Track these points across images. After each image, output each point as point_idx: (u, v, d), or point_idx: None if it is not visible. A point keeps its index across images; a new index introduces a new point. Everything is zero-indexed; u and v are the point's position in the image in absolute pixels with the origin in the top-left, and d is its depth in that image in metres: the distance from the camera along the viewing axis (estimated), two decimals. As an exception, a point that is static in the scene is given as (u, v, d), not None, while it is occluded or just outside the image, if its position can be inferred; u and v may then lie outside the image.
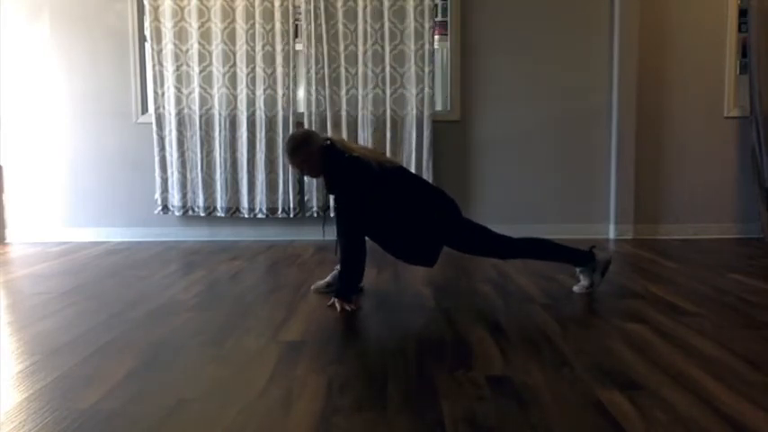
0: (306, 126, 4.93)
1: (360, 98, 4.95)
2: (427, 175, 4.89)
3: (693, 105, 5.03)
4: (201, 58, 4.95)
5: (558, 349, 2.26)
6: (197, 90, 4.96)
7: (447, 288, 3.33)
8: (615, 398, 1.80)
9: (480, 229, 3.03)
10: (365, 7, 4.88)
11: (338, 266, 3.08)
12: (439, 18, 5.06)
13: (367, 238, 2.95)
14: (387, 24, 4.88)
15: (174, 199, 5.05)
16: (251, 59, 4.94)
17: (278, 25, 4.91)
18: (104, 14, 5.06)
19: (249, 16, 4.91)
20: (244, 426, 1.67)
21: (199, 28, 4.92)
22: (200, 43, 4.93)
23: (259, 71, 4.95)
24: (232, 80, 4.97)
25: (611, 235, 5.05)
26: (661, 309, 2.81)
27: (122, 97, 5.11)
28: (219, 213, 5.06)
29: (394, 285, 3.40)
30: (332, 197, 3.27)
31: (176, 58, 4.95)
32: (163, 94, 4.99)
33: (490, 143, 5.07)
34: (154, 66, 4.98)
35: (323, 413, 1.72)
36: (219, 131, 4.99)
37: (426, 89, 4.89)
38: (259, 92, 4.96)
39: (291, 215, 5.02)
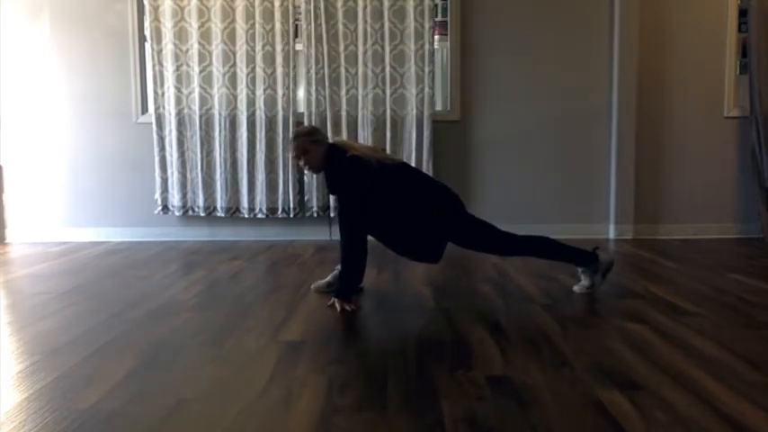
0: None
1: (360, 98, 4.95)
2: (427, 175, 4.88)
3: (693, 105, 5.03)
4: (201, 58, 4.95)
5: (558, 349, 2.26)
6: (197, 90, 4.96)
7: (447, 288, 3.33)
8: (615, 398, 1.80)
9: (483, 225, 3.03)
10: (365, 7, 4.88)
11: (339, 266, 3.08)
12: (439, 18, 5.06)
13: (370, 237, 2.95)
14: (387, 24, 4.88)
15: (174, 199, 5.05)
16: (251, 59, 4.94)
17: (278, 25, 4.92)
18: (104, 14, 5.07)
19: (249, 16, 4.91)
20: (244, 426, 1.67)
21: (199, 28, 4.92)
22: (200, 43, 4.93)
23: (259, 71, 4.95)
24: (232, 80, 4.97)
25: (611, 235, 5.05)
26: (661, 309, 2.81)
27: (122, 97, 5.11)
28: (219, 213, 5.06)
29: (394, 285, 3.40)
30: (332, 197, 3.27)
31: (176, 58, 4.95)
32: (163, 94, 4.99)
33: (490, 143, 5.07)
34: (154, 66, 4.98)
35: (323, 413, 1.72)
36: (219, 131, 4.99)
37: (426, 89, 4.89)
38: (259, 92, 4.96)
39: (291, 215, 5.02)
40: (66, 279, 3.64)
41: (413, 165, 4.88)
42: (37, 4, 5.06)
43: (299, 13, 4.95)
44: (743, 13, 4.98)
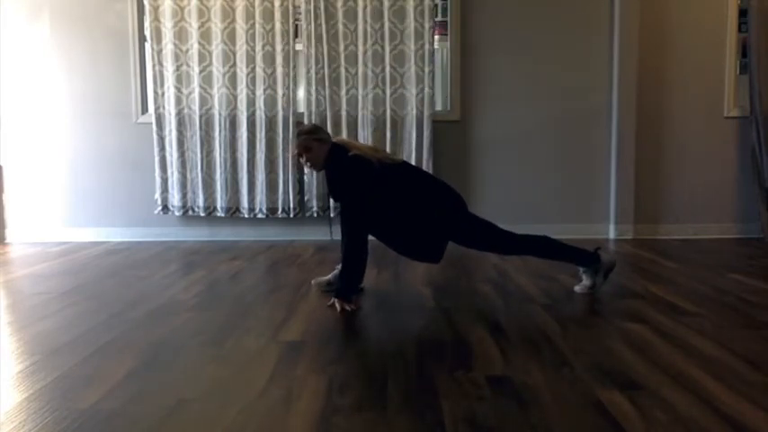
0: (306, 126, 4.93)
1: (360, 98, 4.95)
2: (427, 175, 4.88)
3: (693, 105, 5.03)
4: (201, 58, 4.95)
5: (558, 349, 2.26)
6: (197, 90, 4.96)
7: (447, 288, 3.33)
8: (615, 398, 1.80)
9: (484, 224, 3.03)
10: (365, 7, 4.88)
11: (339, 266, 3.08)
12: (439, 18, 5.06)
13: (371, 236, 2.95)
14: (387, 24, 4.88)
15: (174, 199, 5.06)
16: (251, 59, 4.94)
17: (278, 25, 4.92)
18: (104, 14, 5.07)
19: (249, 16, 4.91)
20: (244, 426, 1.67)
21: (199, 28, 4.92)
22: (200, 43, 4.93)
23: (259, 71, 4.95)
24: (232, 80, 4.97)
25: (611, 235, 5.05)
26: (661, 309, 2.81)
27: (122, 97, 5.11)
28: (219, 213, 5.06)
29: (394, 285, 3.40)
30: (332, 198, 3.26)
31: (176, 58, 4.95)
32: (163, 94, 4.99)
33: (490, 143, 5.07)
34: (154, 66, 4.98)
35: (323, 413, 1.72)
36: (219, 131, 4.99)
37: (426, 89, 4.89)
38: (259, 92, 4.96)
39: (291, 215, 5.02)
40: (66, 279, 3.64)
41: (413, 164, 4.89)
42: (37, 4, 5.06)
43: (299, 13, 4.95)
44: (743, 13, 4.98)
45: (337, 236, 2.99)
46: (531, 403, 1.77)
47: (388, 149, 4.90)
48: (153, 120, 5.02)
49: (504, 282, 3.44)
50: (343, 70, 4.94)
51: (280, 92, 4.96)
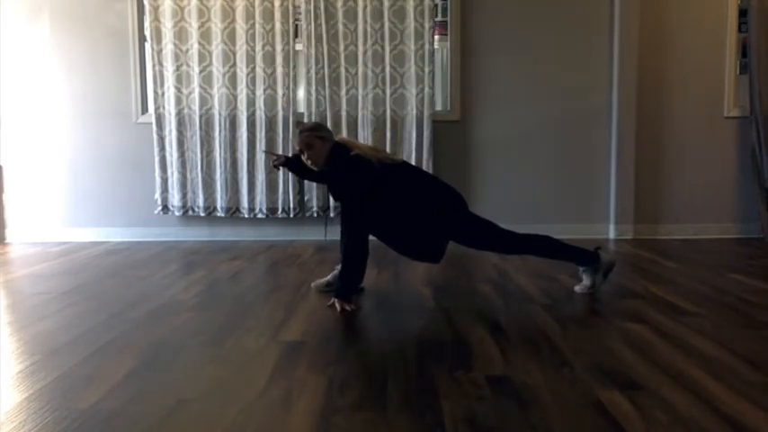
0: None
1: (360, 98, 4.95)
2: (427, 175, 4.88)
3: (693, 105, 5.03)
4: (201, 58, 4.95)
5: (558, 349, 2.26)
6: (197, 90, 4.97)
7: (447, 288, 3.33)
8: (615, 398, 1.80)
9: (485, 224, 3.03)
10: (365, 7, 4.88)
11: (339, 266, 3.08)
12: (439, 18, 5.06)
13: (372, 237, 2.95)
14: (387, 24, 4.88)
15: (174, 199, 5.06)
16: (251, 59, 4.94)
17: (278, 25, 4.92)
18: (104, 14, 5.07)
19: (249, 16, 4.91)
20: (244, 426, 1.67)
21: (199, 28, 4.92)
22: (200, 43, 4.93)
23: (259, 71, 4.95)
24: (232, 80, 4.97)
25: (611, 235, 5.05)
26: (661, 309, 2.81)
27: (122, 97, 5.11)
28: (219, 213, 5.06)
29: (394, 285, 3.40)
30: (332, 197, 3.26)
31: (176, 58, 4.95)
32: (163, 94, 4.99)
33: (490, 143, 5.07)
34: (154, 66, 4.98)
35: (323, 413, 1.72)
36: (219, 131, 4.99)
37: (426, 89, 4.89)
38: (259, 92, 4.96)
39: (291, 215, 5.02)
40: (66, 279, 3.64)
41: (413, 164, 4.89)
42: (37, 4, 5.06)
43: (299, 13, 4.95)
44: (743, 13, 4.98)
45: (332, 236, 3.00)
46: (531, 403, 1.77)
47: (388, 149, 4.89)
48: (153, 120, 5.02)
49: (504, 282, 3.44)
50: (343, 70, 4.94)
51: (280, 92, 4.96)
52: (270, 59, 4.95)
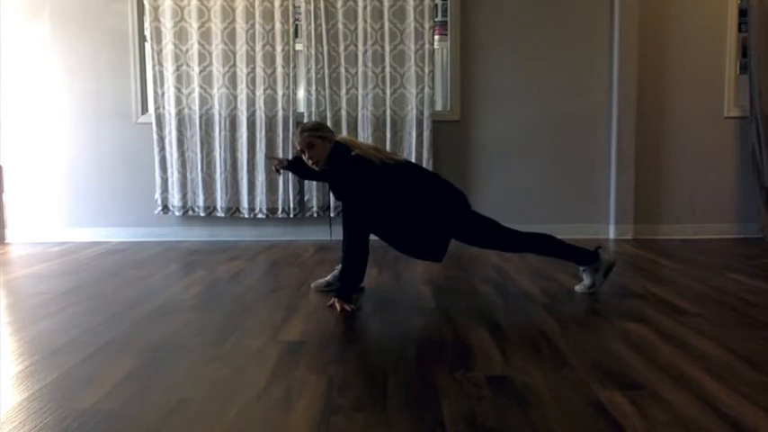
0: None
1: (360, 98, 4.95)
2: (427, 175, 4.89)
3: (693, 105, 5.03)
4: (201, 58, 4.95)
5: (558, 349, 2.26)
6: (197, 90, 4.96)
7: (447, 288, 3.33)
8: (615, 398, 1.80)
9: (487, 222, 3.03)
10: (365, 7, 4.88)
11: (339, 266, 3.08)
12: (439, 18, 5.06)
13: (375, 236, 2.95)
14: (387, 24, 4.88)
15: (174, 199, 5.06)
16: (251, 59, 4.94)
17: (278, 25, 4.92)
18: (104, 15, 5.07)
19: (249, 16, 4.91)
20: (244, 426, 1.67)
21: (199, 28, 4.92)
22: (200, 43, 4.93)
23: (259, 71, 4.95)
24: (232, 80, 4.97)
25: (611, 235, 5.05)
26: (661, 309, 2.81)
27: (122, 97, 5.11)
28: (219, 213, 5.06)
29: (394, 285, 3.40)
30: (332, 197, 3.26)
31: (176, 58, 4.95)
32: (163, 94, 4.99)
33: (490, 143, 5.07)
34: (154, 66, 4.98)
35: (323, 413, 1.72)
36: (219, 131, 4.99)
37: (426, 89, 4.89)
38: (259, 92, 4.96)
39: (291, 215, 5.02)
40: (66, 279, 3.64)
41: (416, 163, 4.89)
42: (37, 4, 5.06)
43: (299, 13, 4.95)
44: (743, 12, 4.98)
45: (337, 235, 2.99)
46: (531, 403, 1.77)
47: (388, 149, 4.89)
48: (153, 120, 5.02)
49: (504, 282, 3.44)
50: (343, 70, 4.94)
51: (280, 92, 4.96)
52: (270, 59, 4.95)
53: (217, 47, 4.93)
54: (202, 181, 5.02)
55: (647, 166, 5.04)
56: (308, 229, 5.06)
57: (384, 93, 4.94)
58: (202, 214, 5.06)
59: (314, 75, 4.92)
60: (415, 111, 4.90)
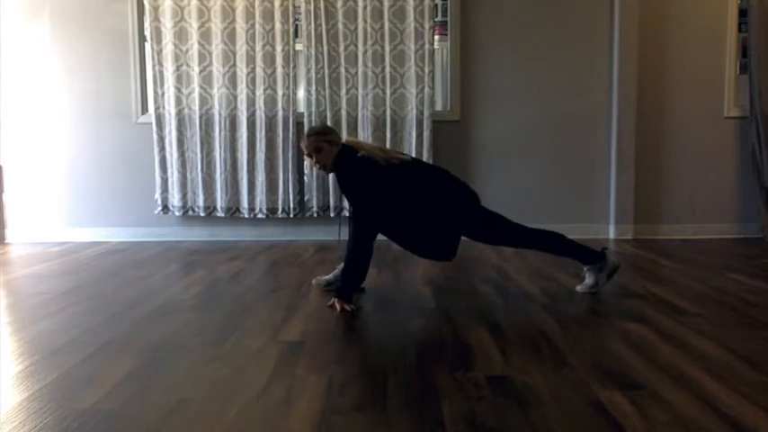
0: (306, 127, 4.93)
1: (360, 98, 4.95)
2: (427, 175, 4.89)
3: (693, 105, 5.03)
4: (201, 58, 4.95)
5: (558, 349, 2.26)
6: (197, 90, 4.96)
7: (447, 288, 3.33)
8: (615, 398, 1.80)
9: (497, 219, 3.03)
10: (365, 7, 4.88)
11: (340, 266, 3.08)
12: (439, 18, 5.06)
13: (384, 237, 2.95)
14: (387, 24, 4.88)
15: (174, 199, 5.05)
16: (251, 59, 4.94)
17: (278, 25, 4.92)
18: (104, 15, 5.06)
19: (249, 16, 4.91)
20: (244, 426, 1.67)
21: (199, 28, 4.92)
22: (200, 43, 4.93)
23: (259, 71, 4.95)
24: (232, 80, 4.97)
25: (611, 235, 5.05)
26: (661, 309, 2.81)
27: (122, 97, 5.11)
28: (219, 213, 5.06)
29: (394, 285, 3.40)
30: (344, 199, 3.23)
31: (176, 58, 4.95)
32: (163, 94, 4.99)
33: (490, 143, 5.07)
34: (154, 66, 4.98)
35: (323, 413, 1.72)
36: (219, 131, 4.99)
37: (426, 89, 4.89)
38: (259, 92, 4.96)
39: (291, 215, 5.02)
40: (66, 279, 3.64)
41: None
42: (37, 4, 5.06)
43: (299, 13, 4.95)
44: (743, 12, 4.98)
45: (345, 236, 2.99)
46: (531, 403, 1.77)
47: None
48: (153, 120, 5.02)
49: (504, 282, 3.44)
50: (343, 70, 4.94)
51: (280, 92, 4.96)
52: (270, 59, 4.94)
53: (217, 47, 4.93)
54: (202, 181, 5.02)
55: (647, 166, 5.04)
56: (308, 229, 5.06)
57: (384, 93, 4.94)
58: (202, 214, 5.06)
59: (314, 75, 4.92)
60: (415, 111, 4.90)
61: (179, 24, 4.94)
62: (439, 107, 5.18)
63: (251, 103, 4.96)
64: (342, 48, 4.93)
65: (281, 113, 4.96)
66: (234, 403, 1.80)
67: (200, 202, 5.04)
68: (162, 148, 5.03)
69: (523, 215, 4.94)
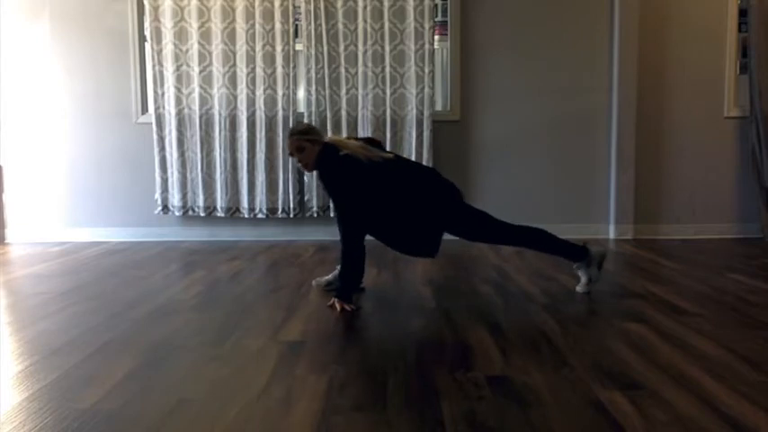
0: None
1: (360, 98, 4.95)
2: (427, 175, 4.89)
3: (693, 105, 5.03)
4: (201, 58, 4.95)
5: (558, 349, 2.26)
6: (197, 90, 4.96)
7: (447, 288, 3.33)
8: (615, 398, 1.80)
9: (480, 215, 3.03)
10: (365, 7, 4.88)
11: (339, 266, 3.08)
12: (439, 18, 5.06)
13: (370, 236, 2.95)
14: (387, 24, 4.88)
15: (174, 199, 5.05)
16: (251, 59, 4.94)
17: (278, 25, 4.91)
18: (104, 15, 5.06)
19: (249, 16, 4.91)
20: (244, 426, 1.67)
21: (199, 28, 4.92)
22: (200, 43, 4.93)
23: (259, 71, 4.95)
24: (232, 80, 4.97)
25: (611, 235, 5.05)
26: (661, 309, 2.81)
27: (122, 97, 5.11)
28: (219, 213, 5.06)
29: (394, 285, 3.40)
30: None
31: (176, 58, 4.95)
32: (163, 94, 4.99)
33: (490, 143, 5.07)
34: (154, 66, 4.98)
35: (323, 413, 1.72)
36: (219, 131, 4.99)
37: (426, 89, 4.89)
38: (259, 92, 4.96)
39: (291, 215, 5.02)
40: (66, 279, 3.64)
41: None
42: (37, 4, 5.06)
43: (299, 13, 4.95)
44: (743, 12, 4.98)
45: (333, 235, 2.97)
46: (531, 403, 1.77)
47: (388, 150, 4.90)
48: (153, 120, 5.02)
49: (504, 282, 3.44)
50: (343, 70, 4.94)
51: (280, 92, 4.96)
52: (270, 59, 4.94)
53: (217, 47, 4.93)
54: (202, 181, 5.01)
55: (647, 166, 5.04)
56: (308, 229, 5.06)
57: (384, 93, 4.94)
58: (202, 214, 5.06)
59: (314, 75, 4.92)
60: (415, 111, 4.90)
61: (179, 24, 4.94)
62: (439, 107, 5.18)
63: (251, 103, 4.96)
64: (342, 48, 4.93)
65: (281, 113, 4.96)
66: (234, 403, 1.80)
67: (201, 202, 5.04)
68: (162, 148, 5.03)
69: (523, 215, 4.96)
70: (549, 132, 5.06)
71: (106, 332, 2.53)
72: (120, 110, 5.11)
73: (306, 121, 4.94)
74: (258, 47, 4.92)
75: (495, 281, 3.46)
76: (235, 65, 4.96)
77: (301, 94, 5.07)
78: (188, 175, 5.04)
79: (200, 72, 4.95)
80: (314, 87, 4.93)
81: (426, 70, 4.88)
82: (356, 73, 4.94)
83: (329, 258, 4.16)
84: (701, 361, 2.11)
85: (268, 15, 4.91)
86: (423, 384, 1.93)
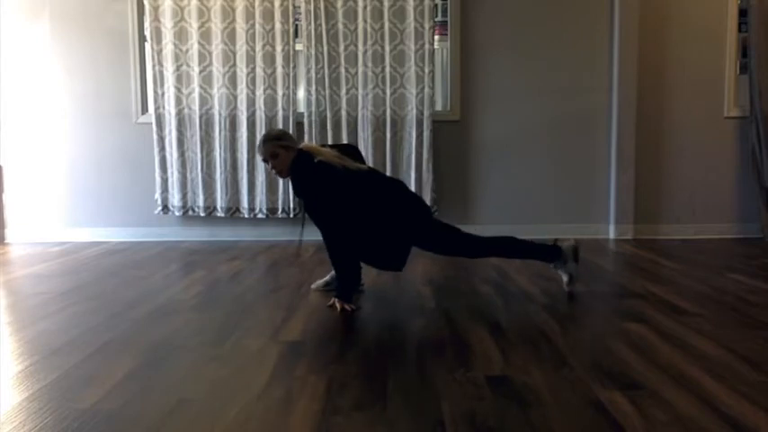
0: (306, 127, 4.94)
1: (360, 98, 4.95)
2: (427, 176, 4.89)
3: (693, 105, 5.03)
4: (201, 58, 4.95)
5: (557, 349, 2.26)
6: (197, 90, 4.96)
7: (447, 288, 3.33)
8: (615, 398, 1.80)
9: (448, 230, 3.03)
10: (365, 7, 4.88)
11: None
12: (439, 18, 5.06)
13: None
14: (387, 24, 4.88)
15: (174, 199, 5.05)
16: (251, 59, 4.94)
17: (278, 25, 4.91)
18: (104, 15, 5.06)
19: (249, 16, 4.91)
20: (244, 426, 1.67)
21: (199, 28, 4.92)
22: (200, 43, 4.93)
23: (259, 71, 4.95)
24: (232, 80, 4.97)
25: (611, 235, 5.05)
26: (661, 309, 2.81)
27: (122, 97, 5.11)
28: (219, 213, 5.06)
29: (394, 285, 3.40)
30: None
31: (176, 58, 4.95)
32: (163, 94, 4.99)
33: (490, 143, 5.07)
34: (154, 66, 4.98)
35: (323, 413, 1.72)
36: (219, 131, 4.99)
37: (426, 89, 4.89)
38: (259, 92, 4.96)
39: (291, 215, 5.02)
40: (66, 279, 3.64)
41: (413, 165, 4.89)
42: (37, 4, 5.06)
43: (299, 13, 4.95)
44: (743, 12, 4.98)
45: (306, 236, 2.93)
46: (531, 403, 1.77)
47: (387, 149, 4.91)
48: (153, 120, 5.02)
49: (504, 282, 3.44)
50: (343, 70, 4.94)
51: (280, 92, 4.96)
52: (270, 59, 4.94)
53: (217, 47, 4.93)
54: (202, 181, 5.01)
55: (647, 166, 5.04)
56: (308, 229, 5.01)
57: (384, 93, 4.94)
58: (202, 214, 5.06)
59: (314, 75, 4.92)
60: (415, 111, 4.90)
61: (179, 24, 4.94)
62: (439, 107, 5.18)
63: (251, 103, 4.96)
64: (342, 48, 4.93)
65: (281, 113, 4.96)
66: (234, 403, 1.80)
67: (201, 202, 5.04)
68: (162, 148, 5.03)
69: (523, 215, 5.00)
70: (549, 132, 5.06)
71: (106, 332, 2.53)
72: (120, 110, 5.11)
73: (306, 121, 4.94)
74: (258, 47, 4.92)
75: (495, 281, 3.46)
76: (235, 65, 4.96)
77: (301, 94, 5.07)
78: (188, 175, 5.04)
79: (200, 72, 4.95)
80: (314, 87, 4.93)
81: (426, 70, 4.88)
82: (356, 73, 4.94)
83: (329, 258, 4.15)
84: (701, 361, 2.11)
85: (268, 15, 4.91)
86: (423, 384, 1.93)
